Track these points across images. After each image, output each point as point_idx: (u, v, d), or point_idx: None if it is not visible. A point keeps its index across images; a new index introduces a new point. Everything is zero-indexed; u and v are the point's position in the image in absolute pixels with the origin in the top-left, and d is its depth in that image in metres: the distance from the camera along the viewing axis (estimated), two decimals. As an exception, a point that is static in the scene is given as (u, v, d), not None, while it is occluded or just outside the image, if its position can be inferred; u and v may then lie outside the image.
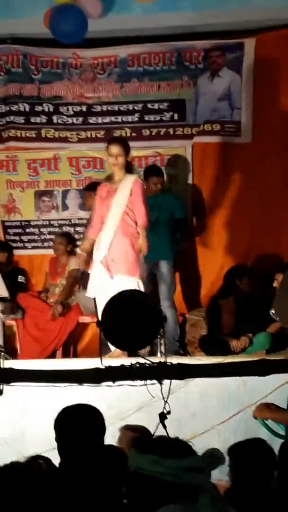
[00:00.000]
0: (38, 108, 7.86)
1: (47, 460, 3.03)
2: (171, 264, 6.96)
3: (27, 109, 7.85)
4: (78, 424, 2.75)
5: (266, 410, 3.90)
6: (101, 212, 6.10)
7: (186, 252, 7.62)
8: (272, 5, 7.00)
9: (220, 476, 2.70)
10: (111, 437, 4.00)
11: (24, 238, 7.89)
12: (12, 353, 6.89)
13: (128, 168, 6.16)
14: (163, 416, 3.63)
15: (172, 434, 2.71)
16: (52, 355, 6.98)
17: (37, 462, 2.84)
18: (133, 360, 4.19)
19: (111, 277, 5.93)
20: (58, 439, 2.76)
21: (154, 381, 3.96)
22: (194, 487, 2.20)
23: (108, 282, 5.90)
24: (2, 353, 4.47)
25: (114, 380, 4.04)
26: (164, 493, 2.18)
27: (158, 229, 6.81)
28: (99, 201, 6.16)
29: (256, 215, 7.55)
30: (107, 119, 7.78)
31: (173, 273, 7.03)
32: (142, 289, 5.95)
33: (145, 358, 4.08)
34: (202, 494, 2.21)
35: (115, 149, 6.10)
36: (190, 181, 7.74)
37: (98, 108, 7.80)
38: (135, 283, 5.92)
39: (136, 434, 4.07)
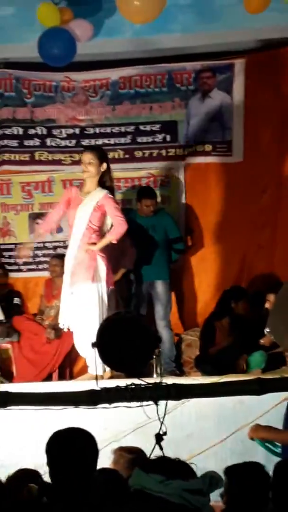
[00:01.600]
0: (31, 131, 7.91)
1: (40, 483, 3.02)
2: (167, 284, 6.99)
3: (20, 133, 7.90)
4: (68, 448, 2.72)
5: (261, 430, 3.90)
6: (60, 212, 6.19)
7: (181, 272, 7.64)
8: (261, 26, 7.06)
9: (215, 497, 2.70)
10: (107, 459, 4.01)
11: (19, 260, 7.90)
12: (8, 376, 6.89)
13: (102, 183, 6.11)
14: (159, 437, 3.62)
15: (168, 455, 2.71)
16: (48, 378, 6.97)
17: (27, 486, 2.82)
18: (128, 381, 4.19)
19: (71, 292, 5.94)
20: (49, 463, 2.74)
21: (150, 402, 3.95)
22: (197, 509, 2.21)
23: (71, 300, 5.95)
24: (-2, 377, 4.47)
25: (109, 401, 4.03)
26: None
27: (153, 250, 6.85)
28: (64, 201, 6.20)
29: (249, 234, 7.58)
30: (99, 141, 7.82)
31: (169, 293, 7.05)
32: (105, 295, 5.90)
33: (140, 379, 4.07)
34: None
35: (86, 156, 6.12)
36: (183, 201, 7.79)
37: (91, 131, 7.85)
38: (95, 289, 5.89)
39: (132, 456, 4.06)
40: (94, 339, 5.60)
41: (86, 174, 6.10)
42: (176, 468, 2.28)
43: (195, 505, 2.20)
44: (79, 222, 6.04)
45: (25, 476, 3.41)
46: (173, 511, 2.17)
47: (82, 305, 6.00)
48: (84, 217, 6.03)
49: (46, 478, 2.82)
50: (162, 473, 2.22)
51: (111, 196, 6.18)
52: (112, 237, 6.06)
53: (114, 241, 6.08)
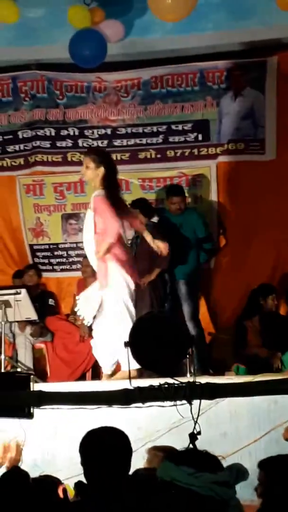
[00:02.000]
0: (64, 132, 7.94)
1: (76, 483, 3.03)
2: (191, 284, 6.91)
3: (53, 134, 7.94)
4: (102, 447, 2.72)
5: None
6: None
7: (213, 271, 7.61)
8: (292, 23, 7.01)
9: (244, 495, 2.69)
10: (141, 459, 4.01)
11: (53, 261, 7.95)
12: (42, 376, 6.92)
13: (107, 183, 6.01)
14: (193, 437, 3.61)
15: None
16: (82, 377, 6.99)
17: (62, 488, 2.82)
18: (161, 381, 4.18)
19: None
20: (83, 462, 2.74)
21: (183, 401, 3.93)
22: (224, 502, 2.24)
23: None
24: (32, 376, 4.48)
25: (143, 401, 4.02)
26: (199, 506, 2.20)
27: (179, 249, 6.81)
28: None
29: (282, 232, 7.52)
30: (131, 141, 7.83)
31: (194, 293, 6.96)
32: (115, 301, 5.93)
33: (174, 378, 4.06)
34: (231, 509, 2.26)
35: (84, 160, 6.10)
36: (215, 200, 7.76)
37: (123, 131, 7.86)
38: (106, 295, 5.95)
39: (167, 455, 4.06)
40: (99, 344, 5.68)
41: (83, 178, 6.20)
42: (204, 461, 2.30)
43: (223, 497, 2.23)
44: (86, 227, 6.08)
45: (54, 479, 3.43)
46: (202, 503, 2.20)
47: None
48: (89, 222, 6.04)
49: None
50: (191, 466, 2.24)
51: (102, 196, 5.99)
52: (109, 239, 5.94)
53: (114, 241, 5.94)
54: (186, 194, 7.52)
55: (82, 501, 2.71)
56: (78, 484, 2.88)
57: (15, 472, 2.96)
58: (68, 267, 7.97)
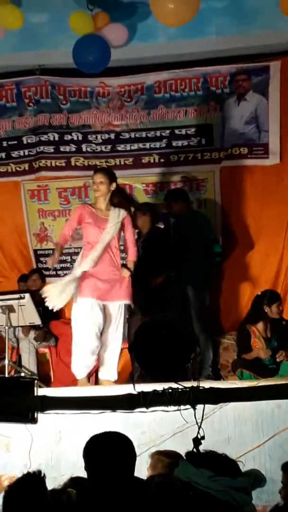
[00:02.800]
0: (67, 137, 7.95)
1: (84, 483, 3.02)
2: (197, 288, 6.89)
3: (56, 139, 7.95)
4: (105, 452, 2.72)
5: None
6: (74, 228, 6.51)
7: (218, 275, 7.60)
8: (296, 28, 7.01)
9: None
10: (145, 463, 4.01)
11: (57, 266, 7.95)
12: (45, 381, 6.92)
13: (116, 200, 6.46)
14: (197, 442, 3.60)
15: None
16: (86, 382, 6.97)
17: (66, 491, 2.82)
18: (165, 385, 4.18)
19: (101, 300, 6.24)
20: (86, 467, 2.73)
21: (187, 406, 3.93)
22: (240, 507, 2.23)
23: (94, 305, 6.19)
24: (36, 381, 4.48)
25: (147, 406, 4.02)
26: (216, 511, 2.20)
27: (185, 253, 6.81)
28: (76, 217, 6.49)
29: (285, 237, 7.52)
30: (135, 146, 7.84)
31: (201, 297, 6.95)
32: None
33: (177, 383, 4.06)
34: None
35: (96, 176, 6.48)
36: (219, 204, 7.76)
37: (126, 136, 7.86)
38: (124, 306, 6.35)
39: (170, 460, 4.05)
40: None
41: (97, 193, 6.45)
42: (224, 465, 2.28)
43: (240, 503, 2.22)
44: (106, 239, 6.33)
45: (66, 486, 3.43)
46: (219, 507, 2.19)
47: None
48: (112, 235, 6.36)
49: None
50: (210, 468, 2.21)
51: (128, 216, 6.55)
52: (134, 259, 6.53)
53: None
54: (194, 199, 7.57)
55: (86, 508, 2.71)
56: (81, 490, 2.87)
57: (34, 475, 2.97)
58: (68, 272, 7.96)
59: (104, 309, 6.31)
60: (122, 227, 6.45)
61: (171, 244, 6.91)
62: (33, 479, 2.88)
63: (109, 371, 6.37)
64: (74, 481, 3.43)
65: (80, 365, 6.31)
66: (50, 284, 6.42)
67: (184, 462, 2.30)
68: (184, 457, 2.40)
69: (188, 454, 2.47)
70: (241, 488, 2.24)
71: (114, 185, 6.50)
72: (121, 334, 6.40)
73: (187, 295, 6.91)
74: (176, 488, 2.33)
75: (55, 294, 6.27)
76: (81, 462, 2.82)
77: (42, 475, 2.90)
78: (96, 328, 6.24)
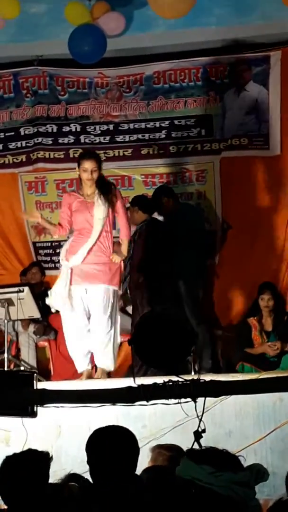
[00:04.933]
0: (66, 129, 7.90)
1: (82, 480, 2.99)
2: (189, 282, 6.76)
3: (55, 130, 7.90)
4: (110, 447, 2.69)
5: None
6: (68, 218, 6.14)
7: (218, 268, 7.55)
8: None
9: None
10: (146, 457, 3.97)
11: (55, 258, 7.89)
12: (45, 375, 6.88)
13: (100, 182, 6.06)
14: (198, 435, 3.57)
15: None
16: (86, 375, 6.93)
17: (68, 485, 2.80)
18: (165, 378, 4.14)
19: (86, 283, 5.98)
20: (90, 461, 2.71)
21: (188, 399, 3.90)
22: (244, 502, 2.23)
23: (82, 292, 5.96)
24: (35, 375, 4.44)
25: (147, 399, 3.98)
26: (218, 506, 2.19)
27: (175, 248, 6.71)
28: (67, 206, 6.15)
29: (286, 229, 7.47)
30: (134, 137, 7.80)
31: (193, 291, 6.80)
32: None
33: (178, 376, 4.02)
34: (250, 509, 2.25)
35: (90, 164, 6.00)
36: (219, 196, 7.71)
37: (125, 127, 7.82)
38: (111, 291, 5.99)
39: (171, 453, 4.02)
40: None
41: (90, 182, 6.03)
42: (225, 460, 2.28)
43: (243, 497, 2.22)
44: (99, 225, 6.01)
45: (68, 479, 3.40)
46: (222, 502, 2.19)
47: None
48: (102, 220, 6.02)
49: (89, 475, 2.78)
50: (211, 464, 2.22)
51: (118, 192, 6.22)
52: (126, 238, 6.19)
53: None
54: (193, 190, 7.50)
55: (88, 501, 2.68)
56: (83, 484, 2.84)
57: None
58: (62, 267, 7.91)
59: (89, 293, 6.03)
60: (112, 206, 6.05)
61: (160, 238, 6.72)
62: (39, 456, 2.88)
63: (102, 357, 6.02)
64: (71, 478, 3.40)
65: (75, 356, 6.14)
66: (56, 286, 6.15)
67: (185, 460, 2.29)
68: (185, 455, 2.38)
69: (189, 451, 2.47)
70: (244, 483, 2.24)
71: (101, 169, 6.10)
72: (110, 319, 5.99)
73: (179, 290, 6.81)
74: (173, 482, 2.32)
75: (60, 300, 6.08)
76: (81, 456, 2.78)
77: (50, 456, 2.91)
78: (80, 314, 6.06)
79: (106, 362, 6.03)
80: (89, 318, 6.04)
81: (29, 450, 3.04)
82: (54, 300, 6.11)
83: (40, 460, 2.90)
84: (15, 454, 2.93)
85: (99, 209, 6.01)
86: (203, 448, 2.53)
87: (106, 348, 5.99)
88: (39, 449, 3.04)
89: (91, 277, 6.00)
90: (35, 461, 2.89)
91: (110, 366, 6.07)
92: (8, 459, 2.89)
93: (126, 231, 6.18)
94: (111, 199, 6.04)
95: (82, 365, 6.12)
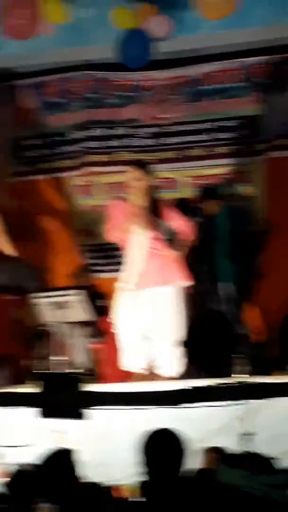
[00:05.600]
0: (112, 132, 7.96)
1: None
2: (229, 286, 6.72)
3: (101, 134, 7.96)
4: (163, 449, 2.73)
5: None
6: (119, 221, 5.91)
7: (263, 269, 7.50)
8: None
9: None
10: (195, 460, 3.99)
11: (104, 261, 7.96)
12: (96, 377, 6.93)
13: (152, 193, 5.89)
14: (246, 437, 3.59)
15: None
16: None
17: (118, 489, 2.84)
18: (216, 380, 4.17)
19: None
20: (144, 464, 2.74)
21: (237, 401, 3.91)
22: (279, 504, 2.25)
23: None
24: (85, 377, 4.50)
25: (198, 401, 4.01)
26: (255, 508, 2.22)
27: (217, 251, 6.69)
28: (117, 213, 5.94)
29: None
30: (179, 139, 7.81)
31: (237, 294, 6.76)
32: None
33: (226, 378, 4.04)
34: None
35: (137, 173, 5.86)
36: (264, 197, 7.67)
37: (171, 129, 7.84)
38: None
39: (221, 455, 4.04)
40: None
41: (137, 189, 5.82)
42: (258, 463, 2.30)
43: (277, 499, 2.25)
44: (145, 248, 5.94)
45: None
46: (257, 504, 2.23)
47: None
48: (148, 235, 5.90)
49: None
50: (246, 468, 2.24)
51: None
52: (186, 238, 6.04)
53: None
54: (238, 191, 7.50)
55: (145, 501, 2.71)
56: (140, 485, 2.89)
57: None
58: (118, 267, 7.94)
59: (149, 297, 5.96)
60: (160, 215, 5.84)
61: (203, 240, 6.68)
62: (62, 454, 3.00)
63: (164, 364, 5.76)
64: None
65: (128, 358, 6.09)
66: (123, 298, 6.13)
67: (221, 466, 2.33)
68: (221, 459, 2.42)
69: (224, 456, 2.50)
70: (278, 485, 2.24)
71: (150, 179, 5.86)
72: (173, 323, 5.67)
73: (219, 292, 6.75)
74: (214, 487, 2.35)
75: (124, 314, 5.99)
76: (128, 459, 2.82)
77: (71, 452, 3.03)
78: (139, 319, 6.02)
79: (167, 368, 5.76)
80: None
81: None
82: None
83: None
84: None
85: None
86: (236, 452, 2.57)
87: (168, 355, 5.72)
88: (85, 452, 3.11)
89: (145, 280, 5.93)
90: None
91: (168, 371, 5.76)
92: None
93: (184, 231, 5.97)
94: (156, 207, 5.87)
95: (134, 366, 6.07)
